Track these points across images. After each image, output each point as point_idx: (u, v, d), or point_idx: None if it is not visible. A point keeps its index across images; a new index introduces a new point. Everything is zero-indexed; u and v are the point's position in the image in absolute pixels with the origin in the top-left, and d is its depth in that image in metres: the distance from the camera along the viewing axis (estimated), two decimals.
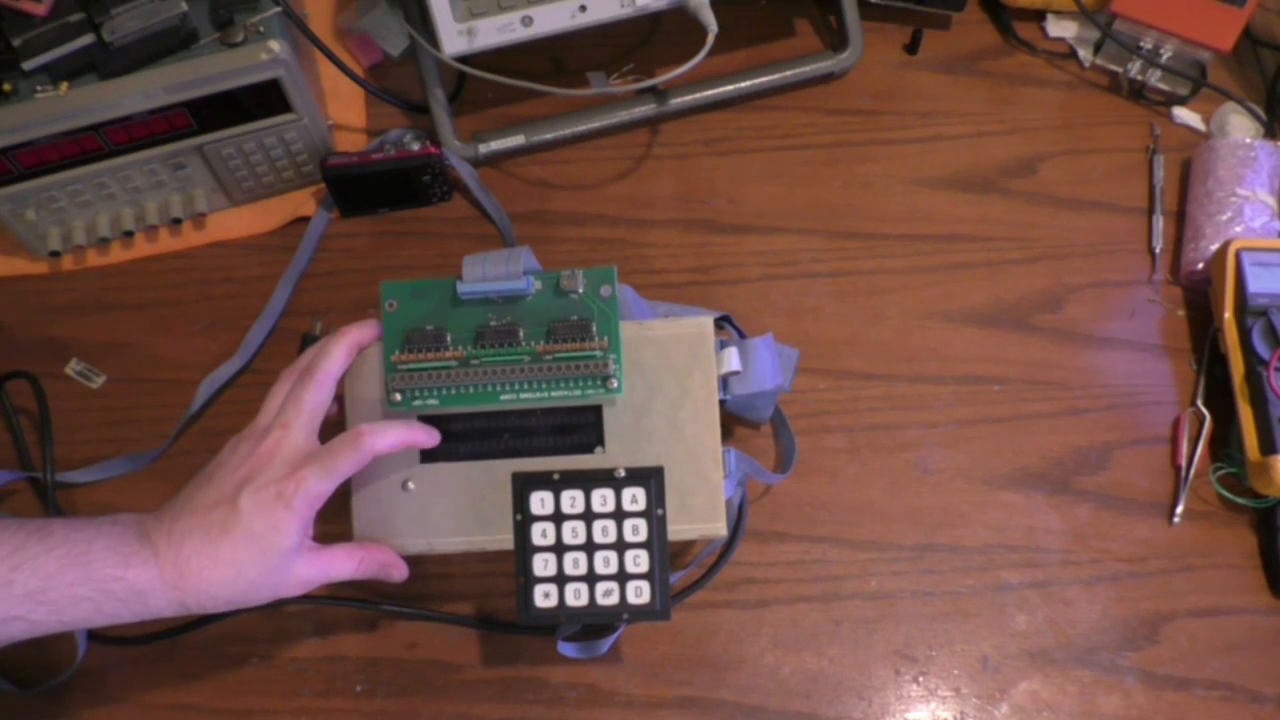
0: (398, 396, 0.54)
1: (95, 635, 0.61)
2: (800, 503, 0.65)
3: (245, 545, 0.48)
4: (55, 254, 0.68)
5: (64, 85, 0.61)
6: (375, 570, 0.54)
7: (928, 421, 0.68)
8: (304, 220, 0.72)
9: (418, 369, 0.54)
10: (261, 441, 0.50)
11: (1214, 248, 0.69)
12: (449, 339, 0.55)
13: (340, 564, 0.52)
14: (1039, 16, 0.82)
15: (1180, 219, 0.74)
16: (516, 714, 0.60)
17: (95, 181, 0.66)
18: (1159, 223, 0.74)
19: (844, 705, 0.60)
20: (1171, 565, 0.64)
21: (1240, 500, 0.65)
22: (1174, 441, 0.67)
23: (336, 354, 0.54)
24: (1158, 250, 0.73)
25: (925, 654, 0.62)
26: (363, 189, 0.71)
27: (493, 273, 0.54)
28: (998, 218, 0.74)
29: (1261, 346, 0.64)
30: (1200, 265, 0.70)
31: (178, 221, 0.70)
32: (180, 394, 0.67)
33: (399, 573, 0.55)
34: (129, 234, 0.69)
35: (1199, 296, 0.71)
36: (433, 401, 0.55)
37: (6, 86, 0.60)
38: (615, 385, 0.54)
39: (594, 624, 0.59)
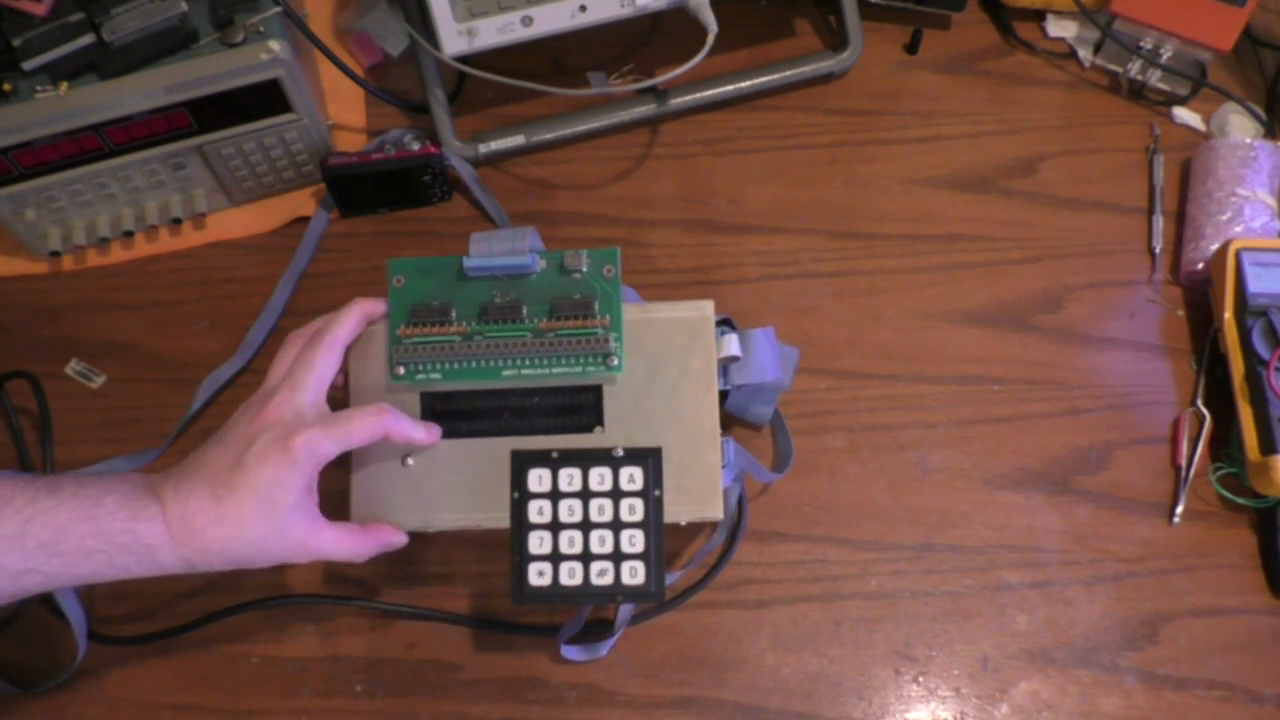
0: (401, 370, 0.55)
1: (95, 635, 0.61)
2: (800, 503, 0.65)
3: (249, 502, 0.48)
4: (55, 254, 0.68)
5: (64, 85, 0.61)
6: (379, 551, 0.54)
7: (928, 421, 0.68)
8: (304, 220, 0.72)
9: (422, 343, 0.55)
10: (269, 401, 0.50)
11: (1214, 248, 0.69)
12: (454, 314, 0.55)
13: (348, 545, 0.52)
14: (1039, 16, 0.82)
15: (1180, 219, 0.74)
16: (516, 714, 0.60)
17: (95, 181, 0.66)
18: (1159, 223, 0.74)
19: (844, 705, 0.60)
20: (1171, 565, 0.64)
21: (1240, 500, 0.65)
22: (1174, 441, 0.67)
23: (347, 322, 0.54)
24: (1158, 250, 0.73)
25: (925, 654, 0.62)
26: (363, 189, 0.71)
27: (499, 248, 0.55)
28: (998, 218, 0.74)
29: (1261, 346, 0.64)
30: (1200, 265, 0.70)
31: (178, 221, 0.70)
32: (180, 394, 0.67)
33: (399, 540, 0.55)
34: (129, 234, 0.69)
35: (1199, 296, 0.71)
36: (435, 376, 0.55)
37: (6, 86, 0.60)
38: (616, 363, 0.54)
39: (593, 612, 0.59)
